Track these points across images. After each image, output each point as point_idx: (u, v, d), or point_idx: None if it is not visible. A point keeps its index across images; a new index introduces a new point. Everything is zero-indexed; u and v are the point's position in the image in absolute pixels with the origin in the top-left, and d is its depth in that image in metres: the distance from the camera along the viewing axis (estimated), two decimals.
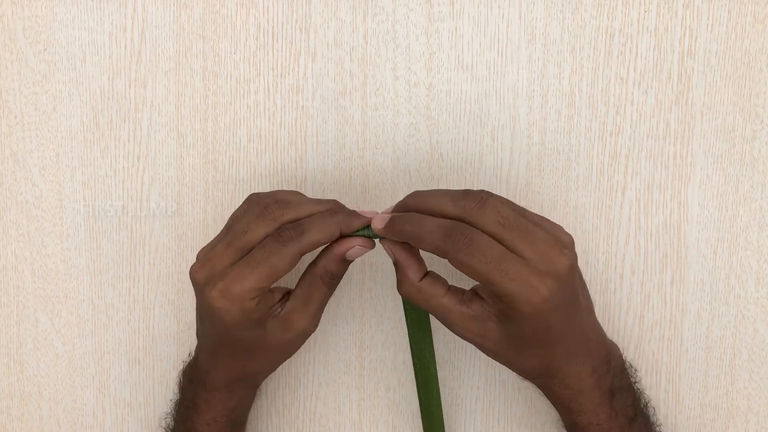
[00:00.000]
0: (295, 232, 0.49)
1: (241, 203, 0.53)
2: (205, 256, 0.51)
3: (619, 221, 0.60)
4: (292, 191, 0.54)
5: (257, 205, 0.51)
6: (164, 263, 0.62)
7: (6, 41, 0.61)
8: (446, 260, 0.48)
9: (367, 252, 0.52)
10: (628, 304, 0.61)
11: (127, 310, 0.63)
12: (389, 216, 0.50)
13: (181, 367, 0.59)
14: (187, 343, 0.63)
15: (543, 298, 0.47)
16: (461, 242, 0.47)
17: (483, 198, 0.48)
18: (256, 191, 0.61)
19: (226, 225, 0.52)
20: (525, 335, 0.49)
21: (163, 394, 0.64)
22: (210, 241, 0.53)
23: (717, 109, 0.59)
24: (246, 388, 0.57)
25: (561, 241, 0.48)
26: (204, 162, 0.61)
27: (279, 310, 0.52)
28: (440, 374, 0.62)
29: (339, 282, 0.53)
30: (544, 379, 0.52)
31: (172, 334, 0.63)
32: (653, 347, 0.61)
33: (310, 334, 0.53)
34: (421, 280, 0.50)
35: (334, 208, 0.52)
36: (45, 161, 0.62)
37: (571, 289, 0.49)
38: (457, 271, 0.52)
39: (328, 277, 0.52)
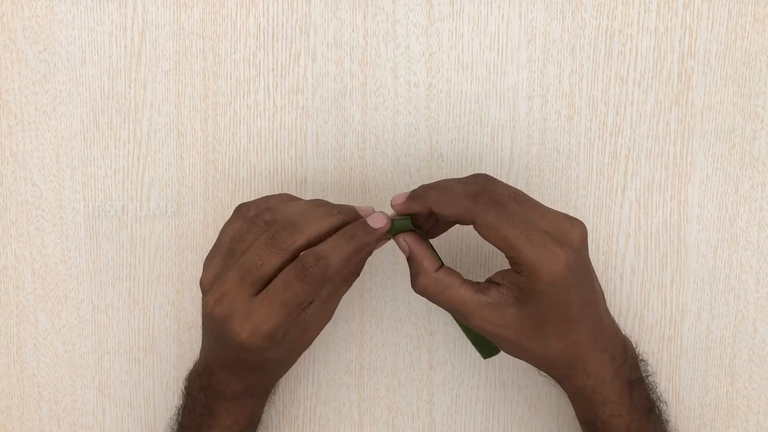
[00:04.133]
0: (319, 269, 0.48)
1: (231, 216, 0.52)
2: (216, 289, 0.49)
3: (619, 221, 0.60)
4: (283, 196, 0.53)
5: (257, 226, 0.49)
6: (164, 263, 0.62)
7: (6, 41, 0.61)
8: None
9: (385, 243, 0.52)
10: (628, 304, 0.61)
11: (127, 310, 0.63)
12: (406, 194, 0.51)
13: (184, 368, 0.59)
14: (187, 343, 0.63)
15: (563, 266, 0.47)
16: (490, 204, 0.48)
17: (490, 177, 0.50)
18: (256, 191, 0.61)
19: (221, 242, 0.51)
20: (544, 314, 0.49)
21: (163, 394, 0.64)
22: (209, 262, 0.51)
23: (717, 109, 0.59)
24: (266, 390, 0.57)
25: (569, 216, 0.50)
26: (204, 162, 0.61)
27: (302, 314, 0.50)
28: (440, 374, 0.62)
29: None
30: (566, 369, 0.52)
31: (172, 334, 0.63)
32: (653, 347, 0.61)
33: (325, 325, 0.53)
34: (437, 271, 0.50)
35: (348, 230, 0.49)
36: (45, 161, 0.62)
37: (586, 262, 0.50)
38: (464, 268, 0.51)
39: (354, 276, 0.52)
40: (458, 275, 0.51)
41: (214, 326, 0.50)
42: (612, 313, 0.61)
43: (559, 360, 0.51)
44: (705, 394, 0.62)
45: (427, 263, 0.51)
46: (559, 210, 0.50)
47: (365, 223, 0.50)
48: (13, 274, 0.63)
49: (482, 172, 0.60)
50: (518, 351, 0.51)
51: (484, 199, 0.48)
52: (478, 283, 0.50)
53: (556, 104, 0.60)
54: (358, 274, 0.53)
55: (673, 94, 0.59)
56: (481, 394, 0.63)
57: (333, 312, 0.53)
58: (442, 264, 0.51)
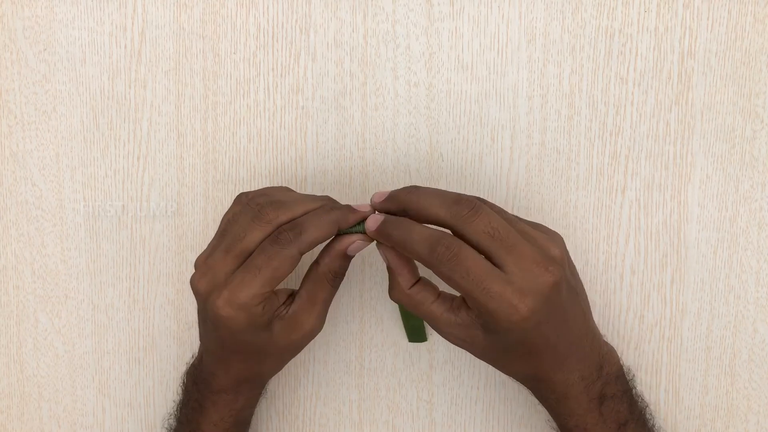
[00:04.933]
0: (293, 233, 0.49)
1: (231, 204, 0.53)
2: (204, 264, 0.51)
3: (619, 221, 0.60)
4: (282, 188, 0.54)
5: (249, 207, 0.51)
6: (164, 263, 0.62)
7: (6, 41, 0.61)
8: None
9: (367, 245, 0.52)
10: (628, 304, 0.61)
11: (127, 310, 0.63)
12: (382, 217, 0.50)
13: (184, 368, 0.59)
14: (187, 342, 0.63)
15: (522, 317, 0.47)
16: (445, 256, 0.47)
17: (475, 205, 0.48)
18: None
19: (220, 228, 0.52)
20: (509, 346, 0.49)
21: (163, 394, 0.64)
22: (206, 246, 0.52)
23: (717, 109, 0.59)
24: (253, 388, 0.57)
25: (548, 257, 0.48)
26: (204, 162, 0.61)
27: (285, 311, 0.51)
28: (440, 374, 0.62)
29: (342, 279, 0.53)
30: (532, 382, 0.53)
31: (172, 334, 0.63)
32: (653, 347, 0.61)
33: (317, 333, 0.53)
34: (412, 287, 0.51)
35: (328, 204, 0.51)
36: (45, 161, 0.62)
37: (556, 305, 0.48)
38: None
39: (332, 275, 0.52)
40: (432, 291, 0.51)
41: (199, 303, 0.51)
42: (612, 313, 0.61)
43: (526, 378, 0.53)
44: (705, 394, 0.62)
45: (402, 279, 0.51)
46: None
47: (349, 205, 0.51)
48: (13, 274, 0.63)
49: (481, 174, 0.60)
50: (486, 361, 0.52)
51: (439, 252, 0.47)
52: (453, 298, 0.51)
53: (556, 104, 0.60)
54: (342, 277, 0.53)
55: (673, 94, 0.59)
56: (481, 394, 0.63)
57: (323, 317, 0.53)
58: (419, 278, 0.51)
